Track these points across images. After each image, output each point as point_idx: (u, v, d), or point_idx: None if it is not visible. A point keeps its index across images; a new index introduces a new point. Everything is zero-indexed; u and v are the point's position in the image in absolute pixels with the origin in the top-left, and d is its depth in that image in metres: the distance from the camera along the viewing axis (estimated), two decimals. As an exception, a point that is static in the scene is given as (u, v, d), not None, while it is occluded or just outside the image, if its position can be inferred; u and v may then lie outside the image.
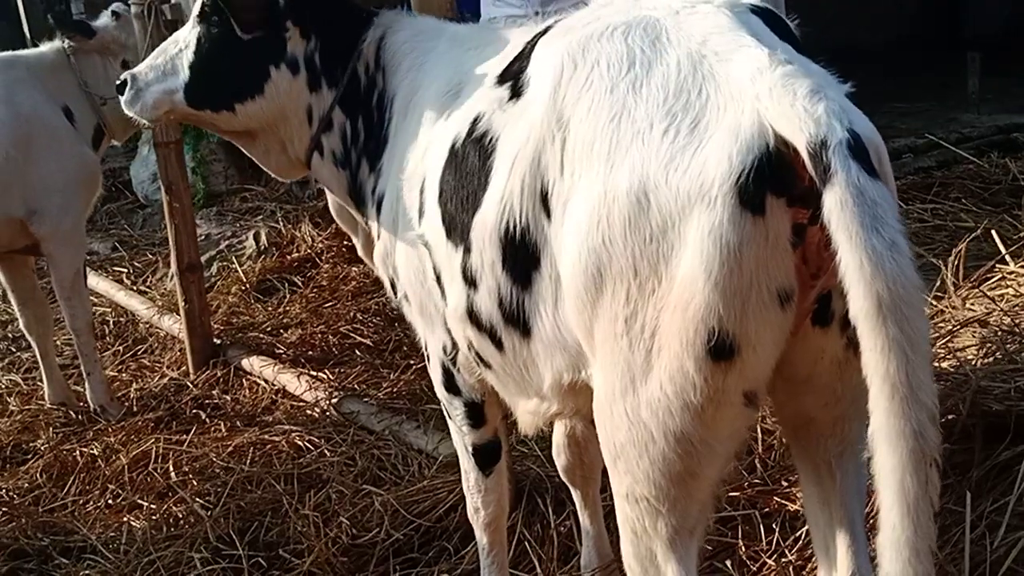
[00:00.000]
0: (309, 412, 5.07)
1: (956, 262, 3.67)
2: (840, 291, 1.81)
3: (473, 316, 2.58)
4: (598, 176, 2.09)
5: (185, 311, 5.73)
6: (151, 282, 7.20)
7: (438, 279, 2.73)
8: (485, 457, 3.09)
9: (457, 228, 2.56)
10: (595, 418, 2.26)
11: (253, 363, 5.62)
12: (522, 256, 2.33)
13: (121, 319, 6.73)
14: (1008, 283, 3.54)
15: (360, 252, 3.31)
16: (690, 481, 2.14)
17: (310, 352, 5.70)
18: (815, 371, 2.13)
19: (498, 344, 2.55)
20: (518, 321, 2.42)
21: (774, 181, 1.89)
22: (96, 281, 7.03)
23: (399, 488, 4.12)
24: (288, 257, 6.92)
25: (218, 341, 5.91)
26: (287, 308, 6.30)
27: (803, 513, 3.40)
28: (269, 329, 6.07)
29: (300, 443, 4.72)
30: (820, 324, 2.06)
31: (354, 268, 6.41)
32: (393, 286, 3.11)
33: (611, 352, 2.12)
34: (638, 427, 2.11)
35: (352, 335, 5.73)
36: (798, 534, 3.24)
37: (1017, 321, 3.03)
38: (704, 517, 2.24)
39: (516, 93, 2.46)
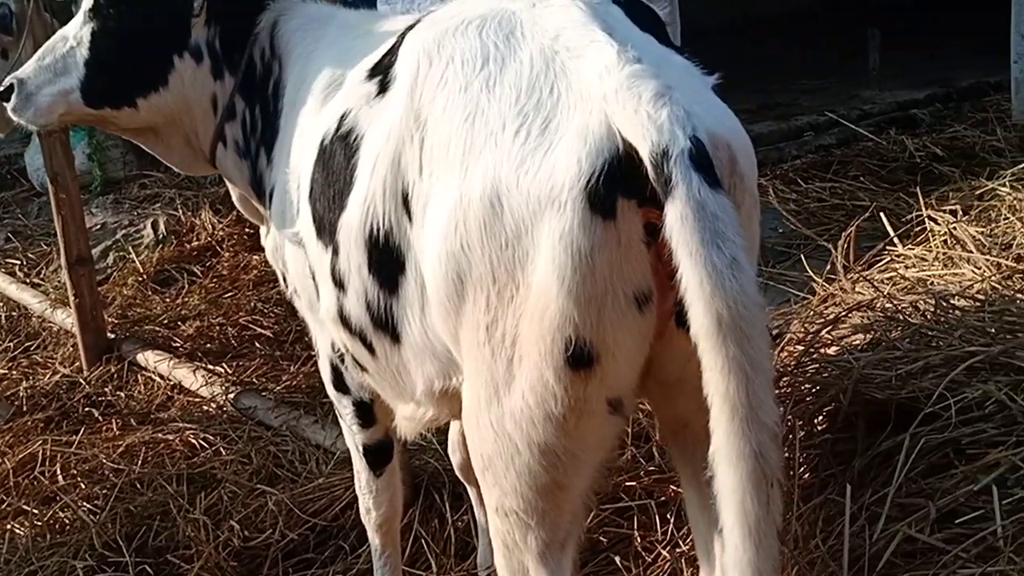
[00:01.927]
0: (205, 408, 4.94)
1: (847, 244, 3.66)
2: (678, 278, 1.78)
3: (344, 319, 2.52)
4: (454, 179, 2.04)
5: (76, 306, 5.55)
6: (45, 274, 6.96)
7: (313, 277, 2.66)
8: (376, 457, 3.04)
9: (326, 228, 2.50)
10: (464, 428, 2.22)
11: (148, 358, 5.46)
12: (387, 259, 2.28)
13: (13, 313, 6.51)
14: (897, 265, 3.54)
15: (263, 242, 3.25)
16: (558, 493, 2.10)
17: (208, 345, 5.57)
18: (685, 374, 2.09)
19: (369, 348, 2.49)
20: (387, 326, 2.36)
21: (624, 184, 1.85)
22: (-13, 274, 6.79)
23: (295, 486, 4.03)
24: (187, 246, 6.75)
25: (112, 335, 5.73)
26: (185, 299, 6.15)
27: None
28: (166, 322, 5.91)
29: (194, 441, 4.59)
30: (685, 326, 2.02)
31: (255, 256, 6.28)
32: (284, 279, 3.04)
33: (475, 361, 2.07)
34: (503, 439, 2.07)
35: (252, 326, 5.60)
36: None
37: (900, 306, 3.02)
38: (576, 528, 2.20)
39: (383, 89, 2.40)
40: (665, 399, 2.22)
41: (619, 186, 1.85)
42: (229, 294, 6.06)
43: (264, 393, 4.90)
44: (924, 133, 5.70)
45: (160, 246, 6.81)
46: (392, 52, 2.45)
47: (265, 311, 5.74)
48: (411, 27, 2.47)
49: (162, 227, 6.96)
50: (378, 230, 2.27)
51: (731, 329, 1.70)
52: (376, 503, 3.11)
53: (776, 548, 1.77)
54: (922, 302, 3.04)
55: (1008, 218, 3.61)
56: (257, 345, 5.45)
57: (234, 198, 3.40)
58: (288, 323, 5.55)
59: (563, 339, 1.91)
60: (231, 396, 4.90)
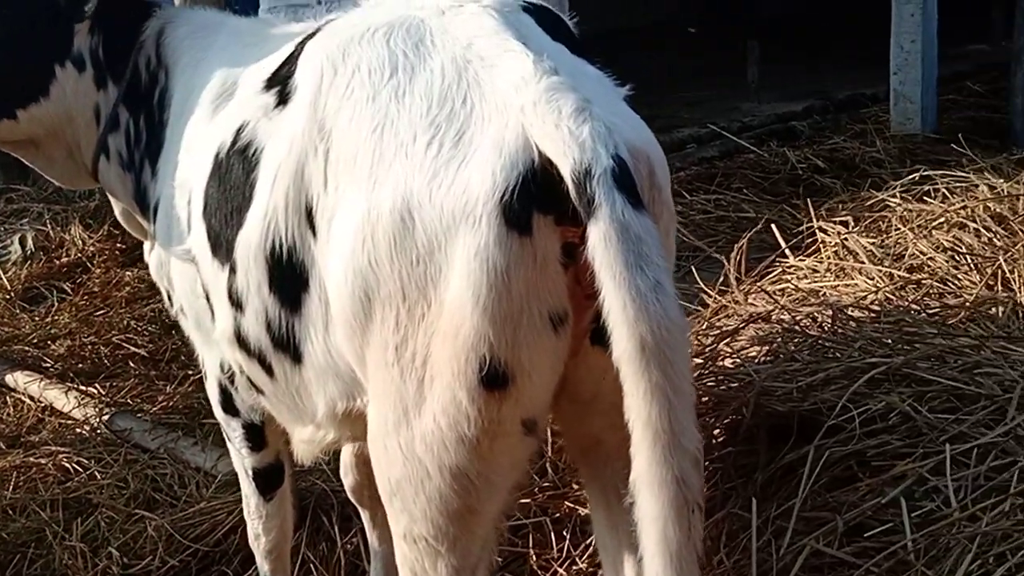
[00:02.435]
0: (78, 431, 4.71)
1: (738, 256, 3.68)
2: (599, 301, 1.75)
3: (241, 340, 2.42)
4: (361, 192, 1.96)
5: (-64, 325, 5.23)
6: (-99, 293, 6.56)
7: (207, 297, 2.53)
8: (266, 481, 2.94)
9: (222, 246, 2.39)
10: (370, 452, 2.13)
11: (17, 379, 5.18)
12: (289, 277, 2.18)
13: None
14: (789, 277, 3.57)
15: (146, 258, 3.10)
16: (470, 518, 2.03)
17: (80, 365, 5.33)
18: (599, 392, 2.06)
19: (268, 370, 2.39)
20: (288, 346, 2.27)
21: (541, 199, 1.80)
22: None
23: (175, 511, 3.87)
24: (57, 262, 6.47)
25: (-22, 356, 5.43)
26: (55, 317, 5.88)
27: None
28: (36, 341, 5.64)
29: (68, 465, 4.37)
30: (600, 343, 1.97)
31: (127, 273, 6.07)
32: (169, 297, 2.91)
33: (383, 381, 1.99)
34: (413, 463, 1.99)
35: (126, 345, 5.38)
36: (589, 540, 3.18)
37: (797, 318, 3.03)
38: (487, 553, 2.13)
39: (283, 100, 2.31)
40: (577, 417, 2.17)
41: (535, 201, 1.80)
42: (101, 312, 5.82)
43: (140, 414, 4.71)
44: (804, 145, 5.81)
45: (28, 262, 6.51)
46: (290, 62, 2.36)
47: (139, 329, 5.54)
48: (310, 36, 2.38)
49: (30, 243, 6.66)
50: (280, 246, 2.18)
51: (654, 354, 1.68)
52: (266, 528, 3.01)
53: (697, 574, 1.75)
54: (818, 313, 3.06)
55: (899, 228, 3.67)
56: (131, 365, 5.24)
57: (117, 212, 3.24)
58: (163, 342, 5.37)
59: (477, 359, 1.85)
60: (105, 418, 4.68)
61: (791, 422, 2.70)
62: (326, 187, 2.06)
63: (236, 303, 2.36)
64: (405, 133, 1.94)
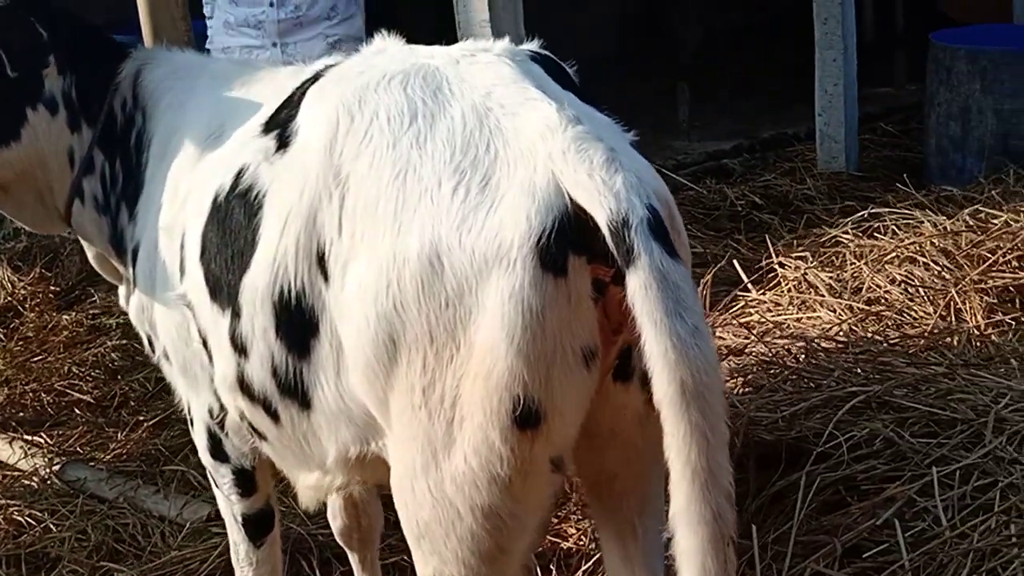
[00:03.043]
0: (27, 482, 4.55)
1: (704, 291, 3.79)
2: (640, 345, 1.81)
3: (244, 385, 2.39)
4: (385, 237, 1.98)
5: None
6: None
7: (204, 342, 2.51)
8: (256, 527, 2.89)
9: (223, 290, 2.36)
10: (394, 495, 2.13)
11: (-47, 431, 5.01)
12: (298, 322, 2.18)
13: None
14: (752, 310, 3.69)
15: (122, 303, 3.05)
16: (501, 557, 2.05)
17: (21, 414, 5.15)
18: (617, 427, 2.11)
19: (274, 416, 2.37)
20: (296, 392, 2.26)
21: (575, 241, 1.85)
22: None
23: (142, 563, 3.78)
24: (-16, 307, 6.25)
25: (-93, 408, 5.23)
26: (-12, 365, 5.69)
27: (576, 550, 3.41)
28: (-31, 390, 5.44)
29: (20, 519, 4.22)
30: (621, 379, 2.03)
31: (65, 316, 5.88)
32: (151, 341, 2.86)
33: (409, 425, 2.00)
34: (443, 504, 2.01)
35: (70, 392, 5.22)
36: (576, 575, 3.23)
37: (773, 350, 3.14)
38: None
39: (283, 144, 2.30)
40: (593, 453, 2.21)
41: (570, 243, 1.85)
42: (39, 358, 5.63)
43: (93, 463, 4.58)
44: (739, 182, 5.99)
45: (-47, 308, 6.27)
46: (289, 106, 2.37)
47: (82, 375, 5.36)
48: (309, 80, 2.40)
49: (-47, 288, 6.42)
50: (288, 291, 2.18)
51: (694, 397, 1.74)
52: None
53: None
54: (791, 346, 3.17)
55: (854, 263, 3.84)
56: (77, 412, 5.07)
57: (90, 257, 3.19)
58: (110, 387, 5.22)
59: (511, 398, 1.88)
60: (56, 468, 4.53)
61: (779, 450, 2.80)
62: (341, 233, 2.07)
63: (239, 348, 2.34)
64: (429, 179, 1.96)
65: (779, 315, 3.57)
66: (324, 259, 2.10)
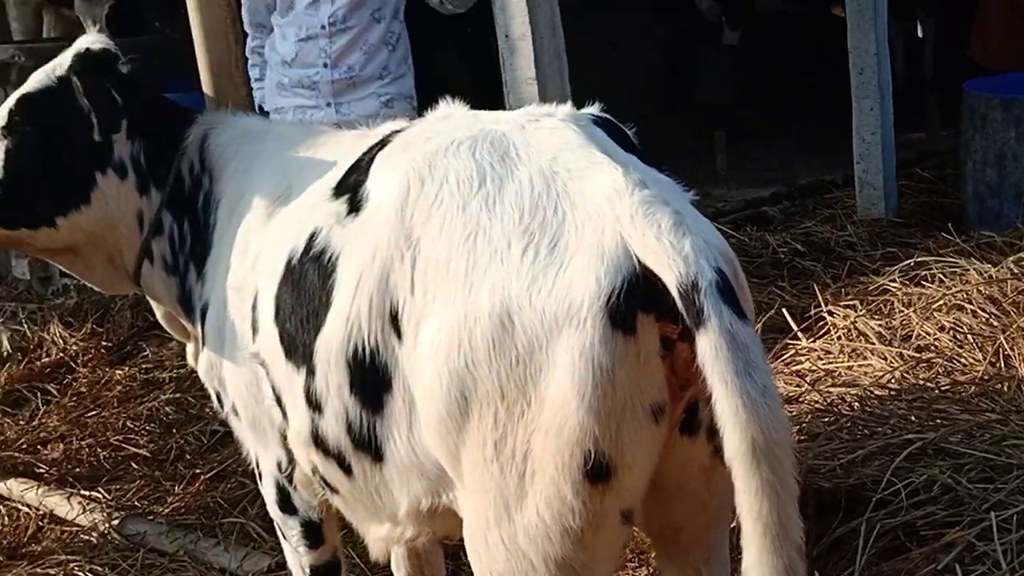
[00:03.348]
0: (86, 537, 4.62)
1: (754, 340, 3.82)
2: (706, 399, 1.87)
3: (319, 441, 2.46)
4: (456, 297, 2.05)
5: (-72, 434, 5.15)
6: None
7: (278, 399, 2.59)
8: None
9: (298, 349, 2.44)
10: (467, 547, 2.19)
11: (11, 487, 5.06)
12: (372, 379, 2.24)
13: None
14: (802, 358, 3.73)
15: (190, 360, 3.13)
16: None
17: (78, 469, 5.23)
18: (683, 480, 2.16)
19: (347, 470, 2.43)
20: (369, 446, 2.32)
21: (644, 299, 1.92)
22: None
23: (204, 615, 3.85)
24: (37, 363, 6.33)
25: (-35, 465, 5.33)
26: (43, 421, 5.76)
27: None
28: (25, 446, 5.50)
29: (81, 574, 4.29)
30: (688, 433, 2.09)
31: (118, 371, 5.98)
32: (219, 398, 2.94)
33: (481, 478, 2.06)
34: (516, 556, 2.06)
35: (125, 446, 5.30)
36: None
37: (828, 398, 3.18)
38: None
39: (355, 208, 2.38)
40: (660, 506, 2.24)
41: (638, 302, 1.91)
42: (93, 413, 5.72)
43: (151, 517, 4.64)
44: (780, 229, 6.03)
45: (6, 364, 6.38)
46: (359, 170, 2.45)
47: (137, 429, 5.45)
48: (377, 145, 2.48)
49: (6, 344, 6.55)
50: (363, 350, 2.24)
51: (764, 453, 1.80)
52: None
53: None
54: (846, 394, 3.21)
55: (903, 311, 3.88)
56: (134, 466, 5.15)
57: (158, 316, 3.29)
58: (166, 440, 5.29)
59: (582, 453, 1.94)
60: (115, 522, 4.60)
61: (837, 497, 2.84)
62: (413, 292, 2.14)
63: (314, 404, 2.41)
64: (499, 241, 2.03)
65: (830, 363, 3.61)
66: (397, 318, 2.17)
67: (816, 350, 3.75)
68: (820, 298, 4.02)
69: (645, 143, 2.38)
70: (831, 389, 3.25)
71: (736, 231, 5.94)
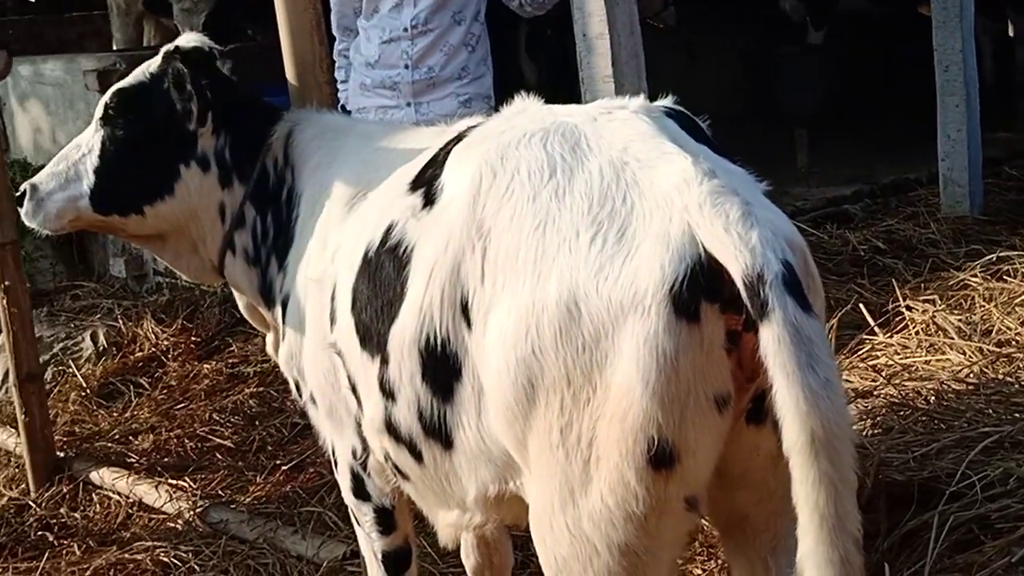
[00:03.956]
0: (172, 525, 4.78)
1: (830, 335, 3.81)
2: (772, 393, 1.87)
3: (391, 428, 2.51)
4: (525, 285, 2.07)
5: (25, 424, 5.34)
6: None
7: (353, 388, 2.65)
8: (396, 564, 3.01)
9: (373, 339, 2.49)
10: (533, 532, 2.21)
11: (103, 475, 5.26)
12: (443, 367, 2.29)
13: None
14: (879, 353, 3.69)
15: (269, 350, 3.22)
16: None
17: (166, 459, 5.40)
18: (749, 468, 2.17)
19: (418, 456, 2.48)
20: (439, 433, 2.36)
21: (708, 288, 1.92)
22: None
23: (283, 600, 3.94)
24: (131, 357, 6.56)
25: (61, 454, 5.54)
26: (135, 413, 5.96)
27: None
28: (117, 437, 5.71)
29: (166, 560, 4.42)
30: (755, 422, 2.09)
31: (206, 365, 6.17)
32: (298, 387, 3.01)
33: (547, 464, 2.09)
34: (580, 540, 2.08)
35: (211, 437, 5.46)
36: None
37: (903, 392, 3.15)
38: None
39: (429, 201, 2.42)
40: (725, 493, 2.24)
41: (702, 291, 1.92)
42: (181, 405, 5.91)
43: (234, 506, 4.78)
44: (861, 227, 5.96)
45: (102, 359, 6.60)
46: (435, 165, 2.49)
47: (222, 421, 5.61)
48: (453, 140, 2.52)
49: (102, 339, 6.77)
50: (434, 339, 2.28)
51: (824, 446, 1.80)
52: None
53: None
54: (921, 388, 3.18)
55: (984, 306, 3.82)
56: (219, 456, 5.30)
57: (240, 307, 3.39)
58: (249, 432, 5.44)
59: (645, 439, 1.96)
60: (199, 510, 4.76)
61: (910, 490, 2.81)
62: (483, 282, 2.17)
63: (388, 393, 2.45)
64: (568, 230, 2.05)
65: (907, 358, 3.57)
66: (468, 307, 2.21)
67: (893, 345, 3.71)
68: (899, 293, 3.97)
69: (723, 138, 2.39)
70: (907, 383, 3.21)
71: (816, 229, 5.89)
